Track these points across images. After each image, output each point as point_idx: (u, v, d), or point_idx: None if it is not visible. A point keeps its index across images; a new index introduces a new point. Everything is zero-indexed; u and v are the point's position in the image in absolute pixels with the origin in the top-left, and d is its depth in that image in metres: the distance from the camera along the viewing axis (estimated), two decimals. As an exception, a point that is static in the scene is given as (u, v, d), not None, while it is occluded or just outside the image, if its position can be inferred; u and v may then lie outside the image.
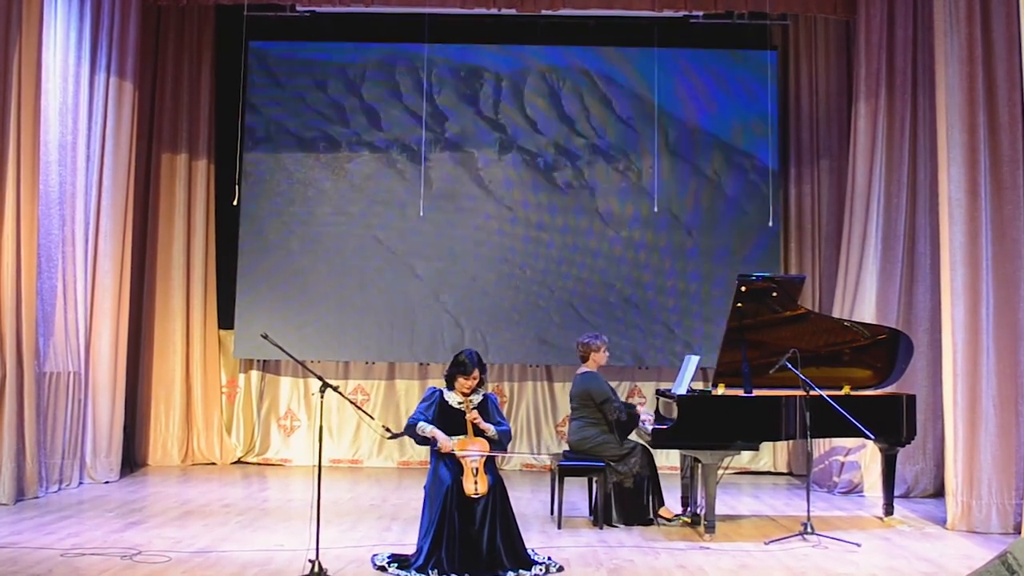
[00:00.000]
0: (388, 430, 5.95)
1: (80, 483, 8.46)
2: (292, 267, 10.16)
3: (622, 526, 7.03)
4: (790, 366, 6.83)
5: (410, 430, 5.94)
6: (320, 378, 5.64)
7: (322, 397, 5.58)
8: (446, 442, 5.83)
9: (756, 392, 7.01)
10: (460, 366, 5.94)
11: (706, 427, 6.81)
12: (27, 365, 7.60)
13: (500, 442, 5.96)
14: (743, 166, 10.19)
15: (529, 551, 5.78)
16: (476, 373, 5.92)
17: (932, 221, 8.39)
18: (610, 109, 10.27)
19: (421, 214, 9.95)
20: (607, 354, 7.44)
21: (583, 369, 7.38)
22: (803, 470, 8.68)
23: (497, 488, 5.69)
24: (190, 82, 10.24)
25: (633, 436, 7.35)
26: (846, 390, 7.35)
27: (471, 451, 5.76)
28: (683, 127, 10.25)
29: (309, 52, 10.33)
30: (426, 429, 5.88)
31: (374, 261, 10.15)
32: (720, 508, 7.42)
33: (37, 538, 6.28)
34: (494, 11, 9.47)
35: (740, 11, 9.64)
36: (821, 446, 9.03)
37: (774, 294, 7.24)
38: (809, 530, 6.63)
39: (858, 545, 6.47)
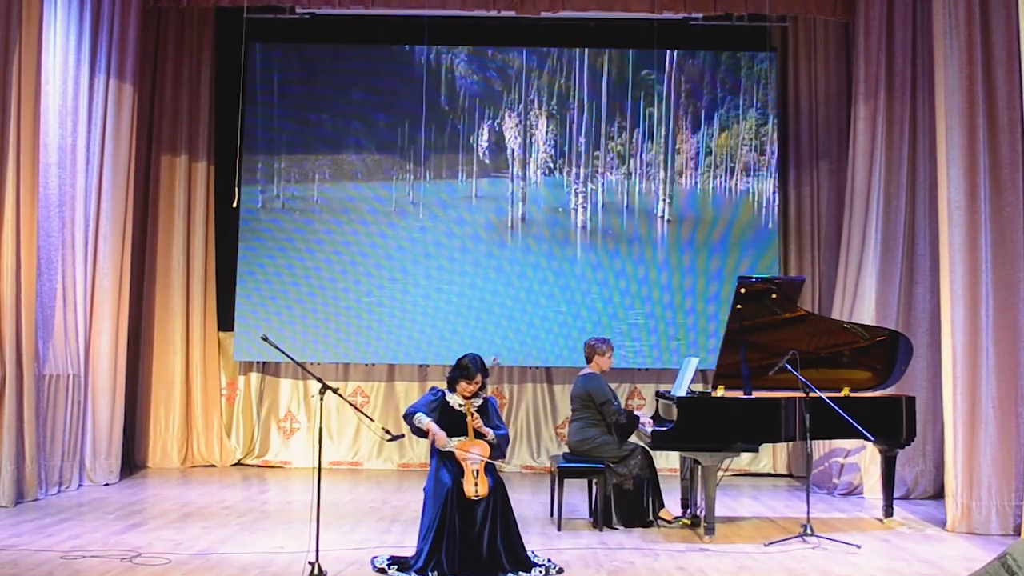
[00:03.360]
0: (388, 432, 5.93)
1: (80, 485, 8.46)
2: (292, 269, 10.16)
3: (622, 528, 7.03)
4: (790, 368, 6.82)
5: (408, 418, 5.96)
6: (320, 380, 5.64)
7: (322, 399, 5.57)
8: (442, 437, 5.84)
9: (756, 394, 7.00)
10: (463, 370, 5.94)
11: (705, 429, 6.80)
12: (27, 367, 7.59)
13: (499, 446, 5.96)
14: (742, 168, 10.20)
15: (529, 553, 5.79)
16: (479, 378, 5.92)
17: (931, 223, 8.39)
18: (608, 111, 10.28)
19: (421, 215, 9.96)
20: (611, 360, 7.43)
21: (586, 370, 7.38)
22: (803, 472, 8.68)
23: (497, 490, 5.69)
24: (190, 84, 10.23)
25: (633, 438, 7.35)
26: (846, 392, 7.35)
27: (472, 453, 5.76)
28: (682, 129, 10.26)
29: (309, 54, 10.33)
30: (423, 421, 5.88)
31: (374, 262, 10.16)
32: (720, 510, 7.43)
33: (37, 540, 6.28)
34: (494, 13, 9.48)
35: (739, 13, 9.65)
36: (821, 448, 9.03)
37: (773, 296, 7.24)
38: (809, 532, 6.63)
39: (858, 547, 6.48)
